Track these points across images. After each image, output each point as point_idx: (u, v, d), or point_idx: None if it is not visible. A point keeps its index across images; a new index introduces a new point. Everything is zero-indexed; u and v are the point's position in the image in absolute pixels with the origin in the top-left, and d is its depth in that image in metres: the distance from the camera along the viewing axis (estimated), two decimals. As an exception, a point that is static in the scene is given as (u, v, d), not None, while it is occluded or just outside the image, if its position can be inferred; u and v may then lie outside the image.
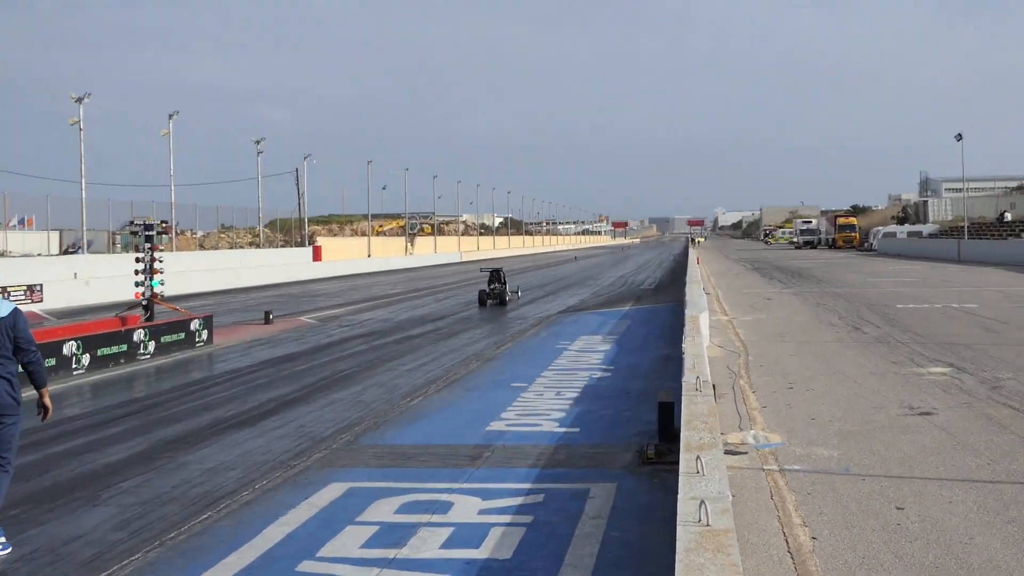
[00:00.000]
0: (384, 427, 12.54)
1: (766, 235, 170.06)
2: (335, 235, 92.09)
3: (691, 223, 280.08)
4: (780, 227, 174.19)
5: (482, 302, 32.63)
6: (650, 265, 69.80)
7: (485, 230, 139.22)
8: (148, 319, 22.03)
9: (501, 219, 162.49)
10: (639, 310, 29.60)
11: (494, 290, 33.12)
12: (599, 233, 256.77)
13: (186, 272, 46.81)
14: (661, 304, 31.35)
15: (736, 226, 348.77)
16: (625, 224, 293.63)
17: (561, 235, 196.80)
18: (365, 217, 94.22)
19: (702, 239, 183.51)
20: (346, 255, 74.61)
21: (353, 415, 13.45)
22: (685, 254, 79.48)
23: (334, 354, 20.40)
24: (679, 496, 6.06)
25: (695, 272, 35.36)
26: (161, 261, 22.73)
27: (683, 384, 9.91)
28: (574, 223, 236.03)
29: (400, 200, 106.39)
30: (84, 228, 47.30)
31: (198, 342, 22.35)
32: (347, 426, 12.74)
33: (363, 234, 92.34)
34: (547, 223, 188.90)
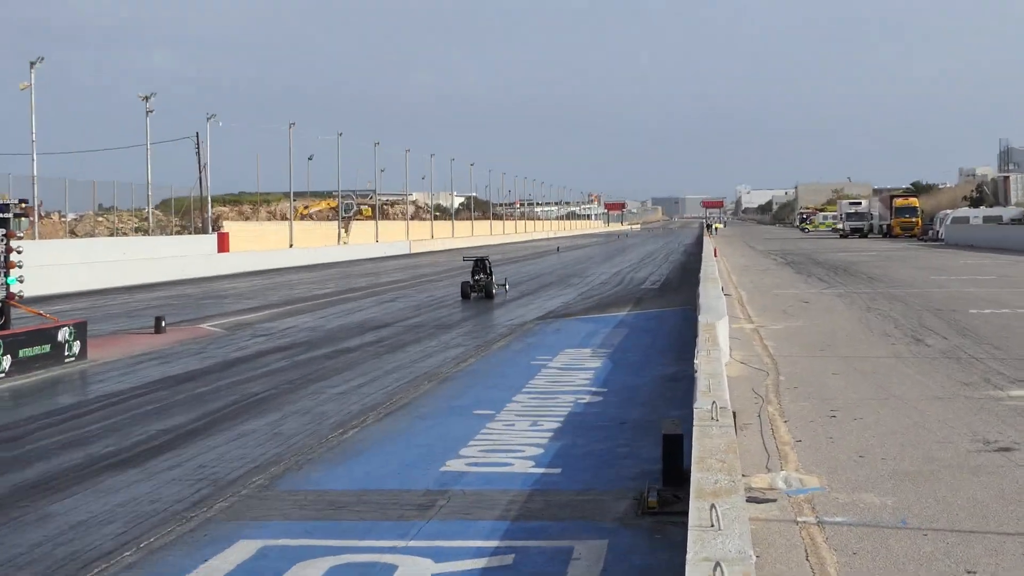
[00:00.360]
0: (309, 467, 12.66)
1: (803, 220, 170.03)
2: (247, 219, 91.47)
3: (707, 204, 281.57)
4: (820, 210, 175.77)
5: (465, 295, 36.15)
6: (654, 258, 70.78)
7: (442, 213, 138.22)
8: (2, 327, 21.88)
9: (463, 199, 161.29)
10: (639, 316, 29.92)
11: (479, 282, 36.38)
12: (588, 217, 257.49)
13: (53, 266, 46.57)
14: (668, 308, 31.91)
15: (764, 208, 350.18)
16: (622, 206, 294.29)
17: (541, 220, 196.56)
18: (286, 196, 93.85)
19: (720, 225, 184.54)
20: (261, 245, 74.44)
21: (269, 451, 13.55)
22: (699, 244, 79.84)
23: (245, 372, 20.39)
24: (688, 557, 6.08)
25: (712, 267, 35.79)
26: (19, 252, 22.57)
27: (695, 412, 10.06)
28: (557, 204, 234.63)
29: (332, 175, 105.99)
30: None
31: (68, 357, 22.27)
32: (261, 466, 12.82)
33: (283, 218, 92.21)
34: (522, 204, 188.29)
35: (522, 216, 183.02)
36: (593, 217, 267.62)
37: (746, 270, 50.31)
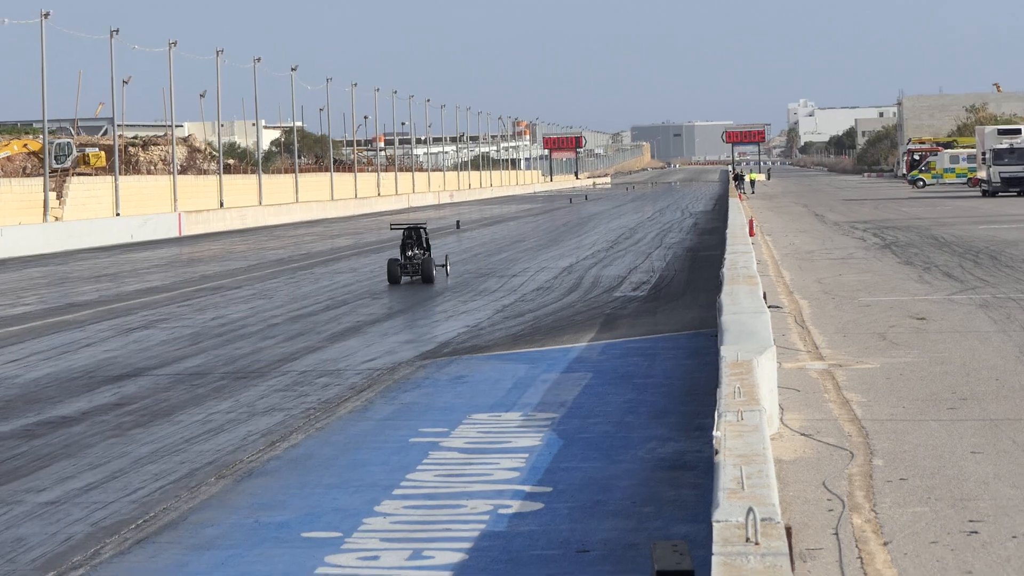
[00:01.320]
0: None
1: (916, 164, 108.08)
2: None
3: (734, 138, 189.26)
4: (946, 144, 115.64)
5: (394, 279, 32.37)
6: (637, 239, 50.68)
7: (238, 160, 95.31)
8: None
9: (279, 134, 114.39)
10: (611, 348, 21.77)
11: (412, 259, 32.89)
12: (514, 165, 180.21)
13: None
14: (664, 333, 23.33)
15: (839, 143, 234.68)
16: (575, 142, 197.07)
17: (425, 171, 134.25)
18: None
19: (760, 176, 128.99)
20: None
21: None
22: (720, 212, 60.91)
23: None
24: None
25: (745, 255, 26.24)
26: None
27: (714, 528, 7.86)
28: (456, 142, 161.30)
29: (33, 97, 72.00)
30: None
31: None
32: None
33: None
34: (388, 142, 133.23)
35: (390, 164, 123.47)
36: (524, 164, 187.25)
37: (810, 259, 35.57)
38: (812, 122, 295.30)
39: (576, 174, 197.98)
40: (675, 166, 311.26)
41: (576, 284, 32.73)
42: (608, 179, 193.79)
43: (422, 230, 33.80)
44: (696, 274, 33.83)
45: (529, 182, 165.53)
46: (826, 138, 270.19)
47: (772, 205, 76.53)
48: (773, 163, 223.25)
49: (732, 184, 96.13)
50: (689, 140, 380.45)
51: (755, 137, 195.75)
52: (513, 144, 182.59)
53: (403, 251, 33.13)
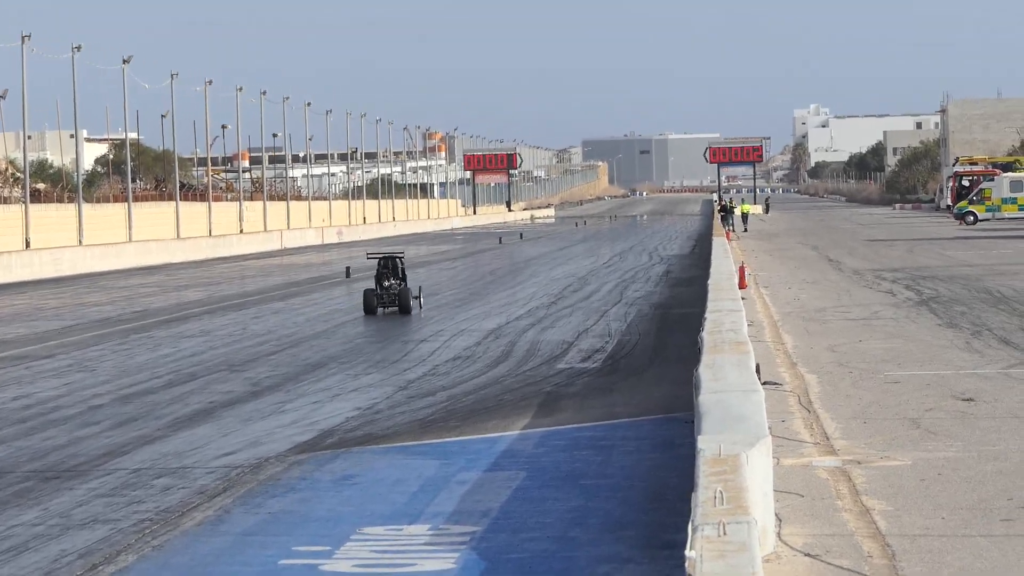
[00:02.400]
0: None
1: (965, 193, 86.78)
2: None
3: (720, 156, 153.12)
4: (1005, 167, 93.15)
5: (370, 309, 34.29)
6: (589, 292, 43.11)
7: (52, 183, 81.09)
8: None
9: (107, 149, 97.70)
10: (552, 439, 18.88)
11: (389, 289, 34.58)
12: (425, 192, 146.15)
13: None
14: (623, 419, 20.12)
15: (862, 161, 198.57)
16: (507, 162, 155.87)
17: (304, 199, 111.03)
18: None
19: (754, 207, 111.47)
20: None
21: None
22: (700, 254, 55.60)
23: None
24: None
25: (733, 312, 22.86)
26: None
27: None
28: (343, 160, 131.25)
29: None
30: None
31: None
32: None
33: None
34: (250, 159, 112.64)
35: (257, 191, 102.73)
36: (438, 191, 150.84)
37: (820, 319, 30.75)
38: (826, 135, 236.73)
39: (509, 204, 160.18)
40: (642, 194, 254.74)
41: (506, 352, 28.21)
42: (551, 211, 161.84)
43: (399, 259, 35.71)
44: (667, 339, 29.17)
45: (445, 214, 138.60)
46: (844, 157, 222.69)
47: (771, 247, 64.85)
48: (774, 190, 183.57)
49: (717, 218, 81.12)
50: (661, 159, 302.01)
51: (749, 155, 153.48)
52: (423, 164, 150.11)
53: (379, 281, 34.89)
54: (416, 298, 35.78)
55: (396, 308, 34.48)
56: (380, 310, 34.52)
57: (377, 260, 35.82)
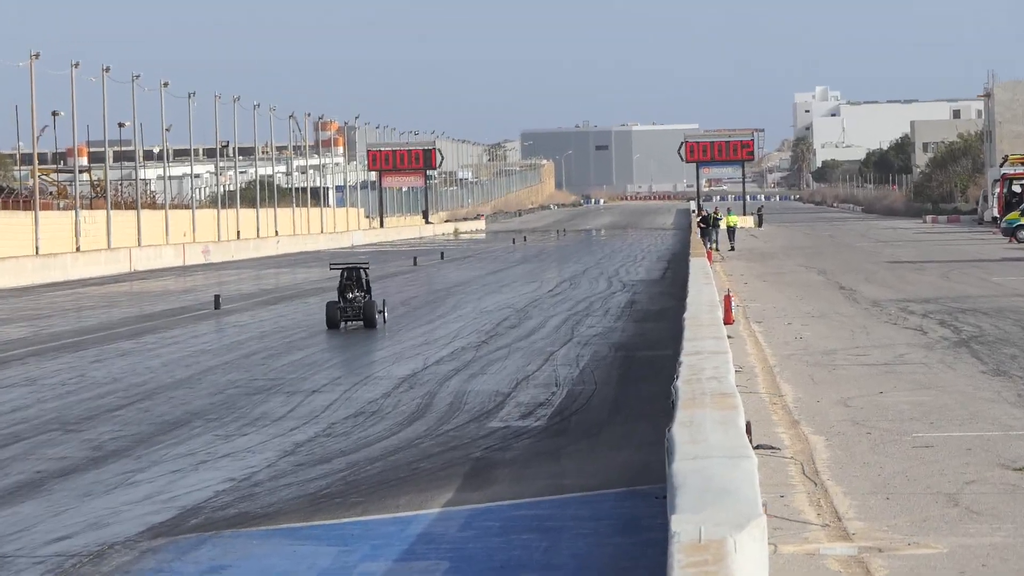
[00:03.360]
0: None
1: (1016, 202, 72.71)
2: None
3: (699, 153, 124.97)
4: None
5: (333, 323, 34.28)
6: (537, 327, 36.55)
7: None
8: None
9: None
10: (484, 517, 16.65)
11: (353, 302, 34.59)
12: (318, 197, 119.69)
13: None
14: (573, 491, 17.73)
15: (882, 160, 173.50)
16: (422, 160, 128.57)
17: (160, 207, 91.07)
18: None
19: (743, 219, 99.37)
20: None
21: None
22: (673, 279, 47.89)
23: None
24: None
25: (712, 354, 19.79)
26: None
27: None
28: (211, 156, 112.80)
29: None
30: None
31: None
32: None
33: None
34: (89, 156, 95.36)
35: (99, 196, 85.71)
36: (335, 197, 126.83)
37: (829, 364, 26.82)
38: (836, 126, 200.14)
39: (426, 215, 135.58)
40: (598, 202, 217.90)
41: (423, 406, 23.61)
42: (481, 224, 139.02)
43: (363, 270, 35.50)
44: (630, 389, 24.65)
45: (344, 227, 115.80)
46: (860, 154, 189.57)
47: (765, 270, 55.20)
48: (768, 197, 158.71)
49: (696, 233, 70.52)
50: (623, 157, 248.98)
51: (736, 152, 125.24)
52: (316, 163, 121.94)
53: (342, 294, 34.74)
54: (380, 312, 35.99)
55: (360, 322, 34.79)
56: (343, 324, 34.68)
57: (340, 271, 36.00)
